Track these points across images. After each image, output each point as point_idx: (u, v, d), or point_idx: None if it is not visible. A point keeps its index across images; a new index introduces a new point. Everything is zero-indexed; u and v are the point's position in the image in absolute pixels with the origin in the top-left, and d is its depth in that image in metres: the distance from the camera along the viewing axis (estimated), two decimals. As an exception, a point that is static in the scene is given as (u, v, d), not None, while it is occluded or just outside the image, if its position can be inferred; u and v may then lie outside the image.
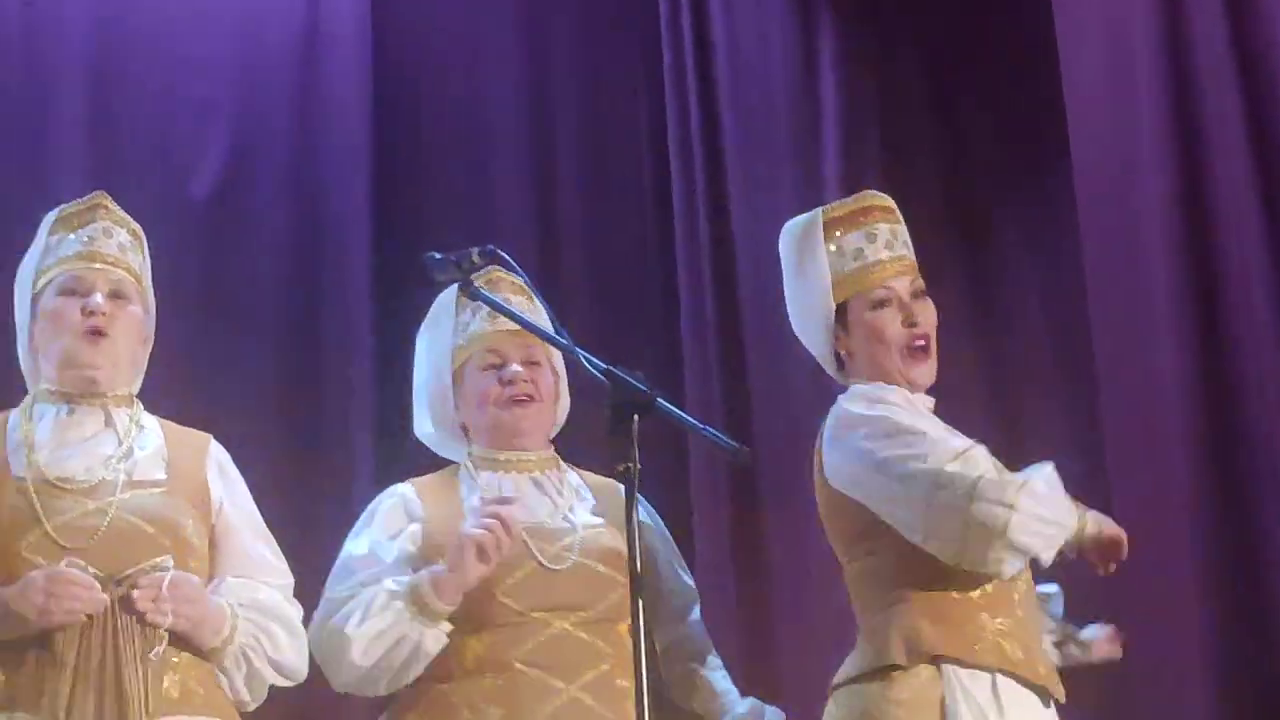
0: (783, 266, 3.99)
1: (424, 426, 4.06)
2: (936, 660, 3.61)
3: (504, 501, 3.73)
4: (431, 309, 4.07)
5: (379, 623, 3.65)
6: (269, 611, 3.59)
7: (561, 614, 3.73)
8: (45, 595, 3.31)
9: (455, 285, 3.62)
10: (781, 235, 4.00)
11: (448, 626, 3.67)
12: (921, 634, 3.62)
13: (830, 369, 3.97)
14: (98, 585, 3.35)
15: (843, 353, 3.89)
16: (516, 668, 3.69)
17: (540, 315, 3.80)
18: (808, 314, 3.94)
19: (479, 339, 3.95)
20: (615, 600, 3.75)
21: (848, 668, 3.71)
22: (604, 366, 3.15)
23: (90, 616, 3.34)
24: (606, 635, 3.76)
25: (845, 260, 3.87)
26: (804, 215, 3.98)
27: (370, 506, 3.93)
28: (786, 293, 3.99)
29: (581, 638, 3.73)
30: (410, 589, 3.66)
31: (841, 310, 3.86)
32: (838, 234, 3.90)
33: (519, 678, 3.68)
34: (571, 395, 4.06)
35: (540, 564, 3.77)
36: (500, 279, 3.95)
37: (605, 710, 3.67)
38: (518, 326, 3.71)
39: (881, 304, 3.85)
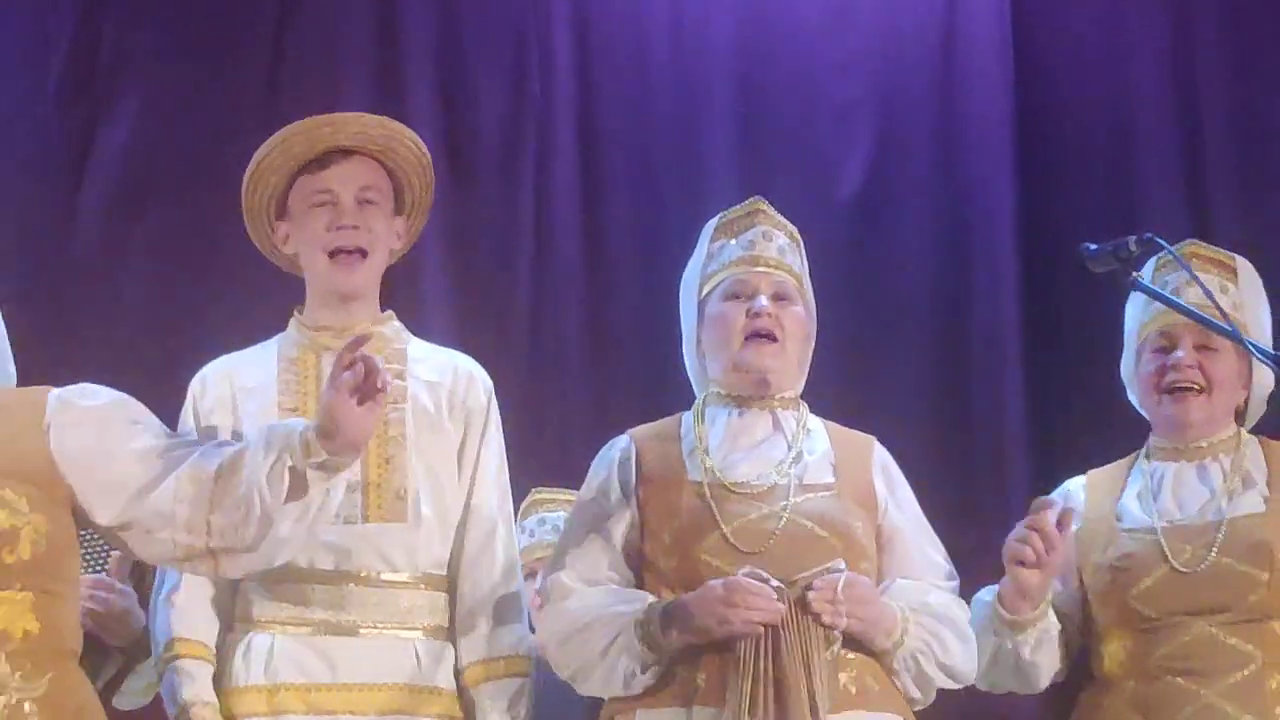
0: None
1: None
2: None
3: None
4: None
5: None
6: (939, 615, 3.61)
7: (1202, 616, 3.68)
8: (725, 605, 3.40)
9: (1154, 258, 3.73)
10: None
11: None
12: None
13: None
14: (775, 595, 3.42)
15: None
16: (1156, 672, 3.68)
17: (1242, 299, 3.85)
18: None
19: (1150, 324, 3.91)
20: (1258, 599, 3.68)
21: None
22: (1274, 354, 3.20)
23: (767, 625, 3.41)
24: (1256, 635, 3.67)
25: None
26: None
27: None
28: None
29: (1224, 640, 3.66)
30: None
31: None
32: None
33: (1157, 684, 3.67)
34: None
35: (1172, 567, 3.72)
36: (1199, 254, 3.92)
37: (1249, 715, 3.59)
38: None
39: None
